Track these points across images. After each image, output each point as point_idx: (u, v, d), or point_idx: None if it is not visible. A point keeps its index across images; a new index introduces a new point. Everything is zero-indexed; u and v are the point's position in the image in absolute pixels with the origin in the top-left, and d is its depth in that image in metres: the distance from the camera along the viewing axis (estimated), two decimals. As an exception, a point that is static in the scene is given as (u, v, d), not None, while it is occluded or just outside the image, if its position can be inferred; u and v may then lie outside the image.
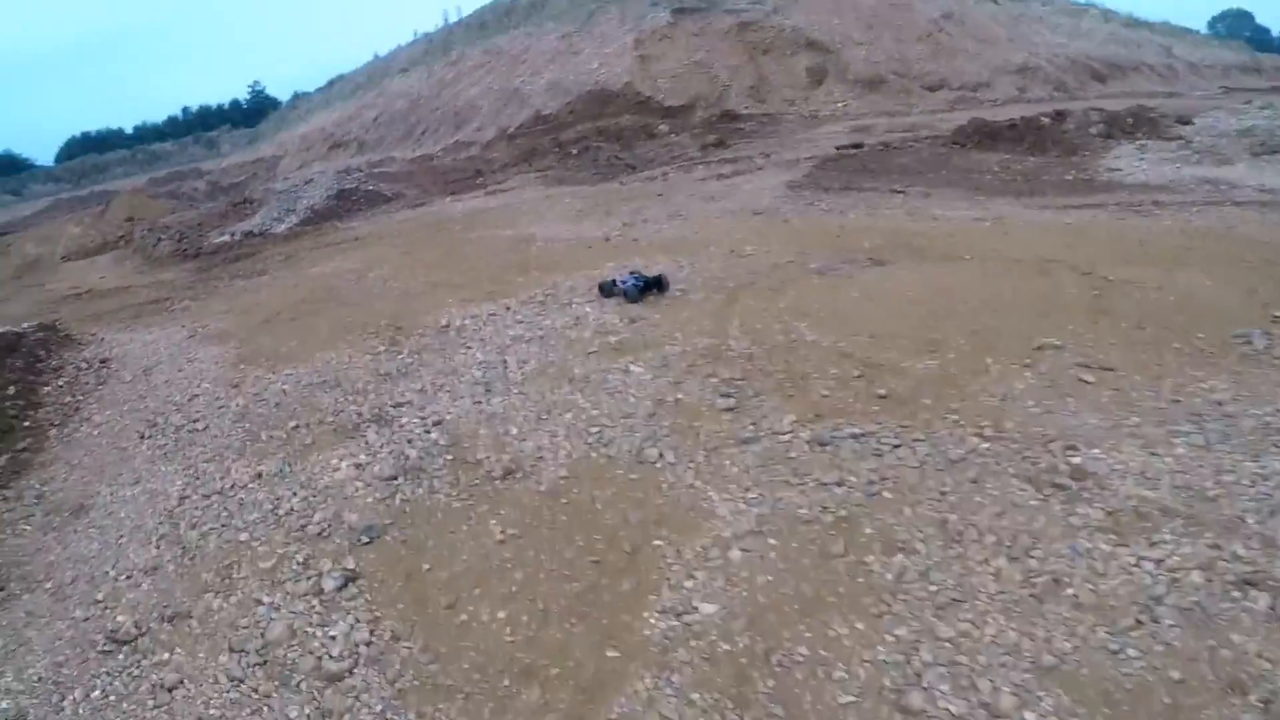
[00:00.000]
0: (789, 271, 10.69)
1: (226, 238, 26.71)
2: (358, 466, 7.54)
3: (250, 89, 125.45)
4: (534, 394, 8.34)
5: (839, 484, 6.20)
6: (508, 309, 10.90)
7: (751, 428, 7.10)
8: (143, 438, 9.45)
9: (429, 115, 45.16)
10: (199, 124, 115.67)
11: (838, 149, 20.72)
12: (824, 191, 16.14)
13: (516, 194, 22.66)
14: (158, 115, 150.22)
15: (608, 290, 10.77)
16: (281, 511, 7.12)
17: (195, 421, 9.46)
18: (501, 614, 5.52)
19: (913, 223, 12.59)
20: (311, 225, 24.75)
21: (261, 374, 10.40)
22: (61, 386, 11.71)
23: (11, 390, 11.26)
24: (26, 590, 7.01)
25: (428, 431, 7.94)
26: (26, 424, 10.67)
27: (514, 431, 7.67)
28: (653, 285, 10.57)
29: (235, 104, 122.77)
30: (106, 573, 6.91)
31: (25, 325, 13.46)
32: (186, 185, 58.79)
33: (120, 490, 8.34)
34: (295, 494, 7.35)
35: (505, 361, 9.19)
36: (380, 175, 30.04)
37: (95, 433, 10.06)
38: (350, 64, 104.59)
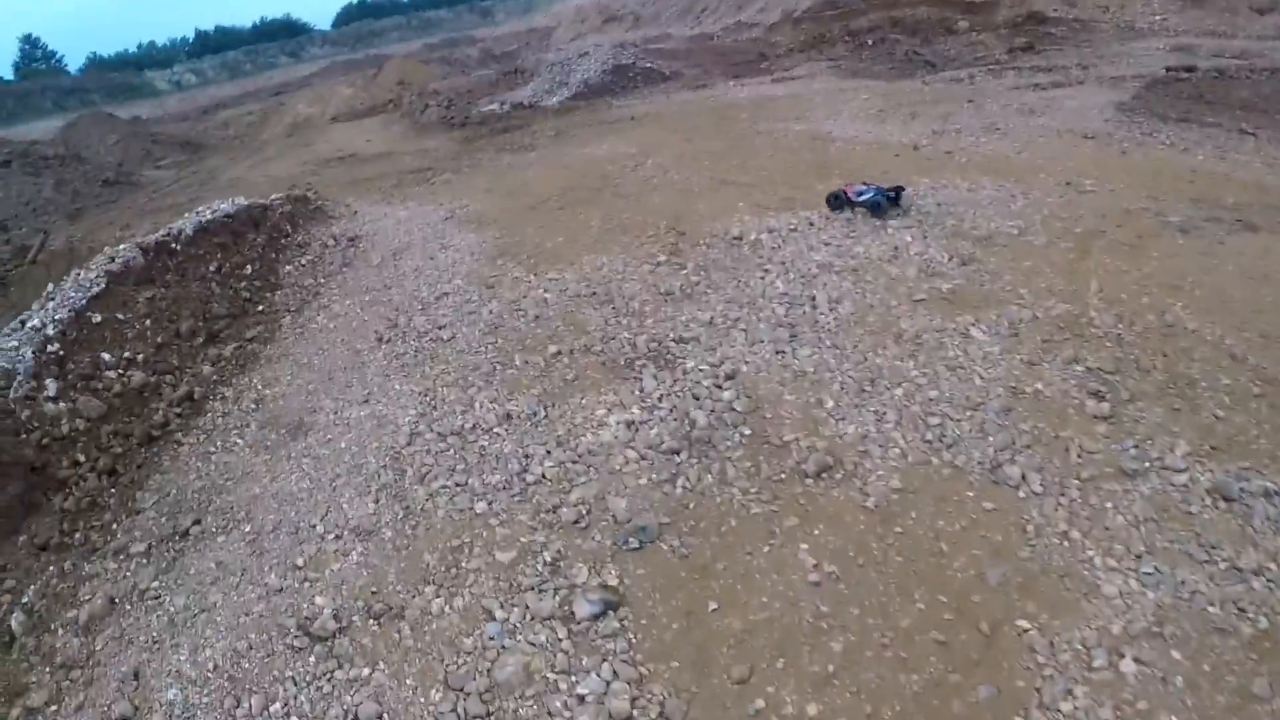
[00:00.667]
0: (1144, 222, 8.42)
1: (495, 107, 25.83)
2: (629, 425, 5.99)
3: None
4: (851, 350, 6.55)
5: (1256, 573, 4.25)
6: (810, 224, 9.10)
7: (1134, 452, 5.11)
8: (380, 341, 8.29)
9: (709, -8, 43.09)
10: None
11: (1167, 70, 17.73)
12: (1161, 120, 13.39)
13: (805, 83, 20.52)
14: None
15: (837, 203, 9.51)
16: (530, 478, 5.66)
17: (441, 328, 8.20)
18: (812, 710, 3.91)
19: (1275, 177, 9.97)
20: (584, 100, 23.43)
21: (521, 274, 9.07)
22: (304, 266, 10.76)
23: (249, 269, 10.33)
24: (222, 530, 5.91)
25: (719, 386, 6.29)
26: (260, 308, 9.73)
27: (829, 405, 5.93)
28: (895, 200, 9.29)
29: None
30: (313, 526, 5.69)
31: (274, 197, 12.60)
32: (459, 52, 58.84)
33: (346, 410, 7.16)
34: (549, 453, 5.89)
35: (813, 297, 7.40)
36: (657, 52, 28.40)
37: (331, 325, 9.00)
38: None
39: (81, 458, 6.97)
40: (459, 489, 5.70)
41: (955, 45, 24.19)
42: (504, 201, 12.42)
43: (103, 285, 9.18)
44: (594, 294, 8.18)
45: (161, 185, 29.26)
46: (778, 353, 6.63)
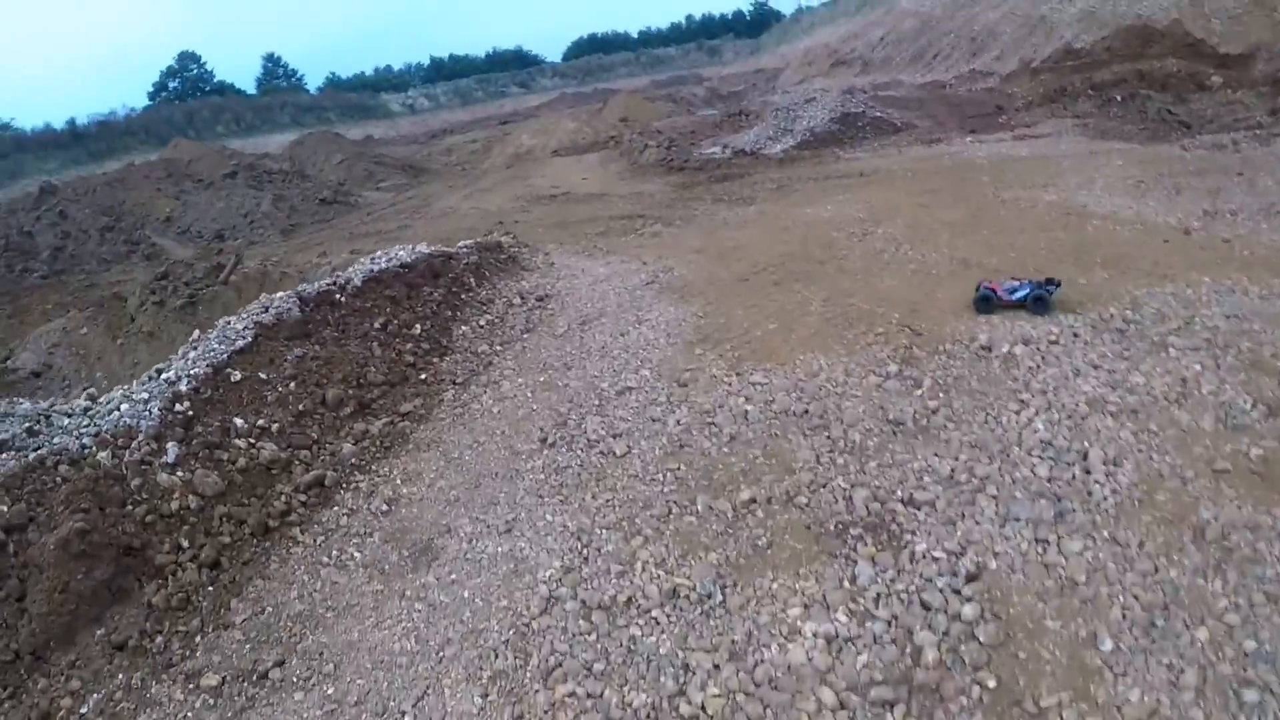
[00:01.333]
0: None
1: (717, 150, 24.95)
2: (830, 643, 4.38)
3: (753, 1, 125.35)
4: (1137, 550, 4.72)
5: None
6: (1075, 335, 7.42)
7: None
8: (543, 443, 7.10)
9: (940, 38, 41.13)
10: (702, 32, 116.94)
11: None
12: None
13: (1051, 143, 18.55)
14: (662, 21, 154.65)
15: (986, 306, 8.27)
16: (685, 710, 4.18)
17: (616, 436, 6.93)
18: None
19: None
20: (809, 149, 22.13)
21: (721, 371, 7.72)
22: (481, 328, 9.78)
23: (418, 329, 9.36)
24: (303, 684, 4.85)
25: (957, 591, 4.58)
26: (423, 376, 8.75)
27: (1106, 646, 4.12)
28: (1052, 292, 8.16)
29: (738, 14, 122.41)
30: (403, 714, 4.49)
31: (461, 245, 11.73)
32: (685, 90, 58.61)
33: (482, 539, 5.97)
34: (717, 669, 4.36)
35: (1084, 454, 5.64)
36: (887, 100, 26.89)
37: (496, 410, 7.92)
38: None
39: (185, 543, 6.21)
40: (591, 705, 4.31)
41: (1210, 104, 21.68)
42: (713, 267, 11.19)
43: (249, 338, 8.36)
44: (805, 412, 6.73)
45: (376, 208, 29.40)
46: (1038, 541, 4.87)
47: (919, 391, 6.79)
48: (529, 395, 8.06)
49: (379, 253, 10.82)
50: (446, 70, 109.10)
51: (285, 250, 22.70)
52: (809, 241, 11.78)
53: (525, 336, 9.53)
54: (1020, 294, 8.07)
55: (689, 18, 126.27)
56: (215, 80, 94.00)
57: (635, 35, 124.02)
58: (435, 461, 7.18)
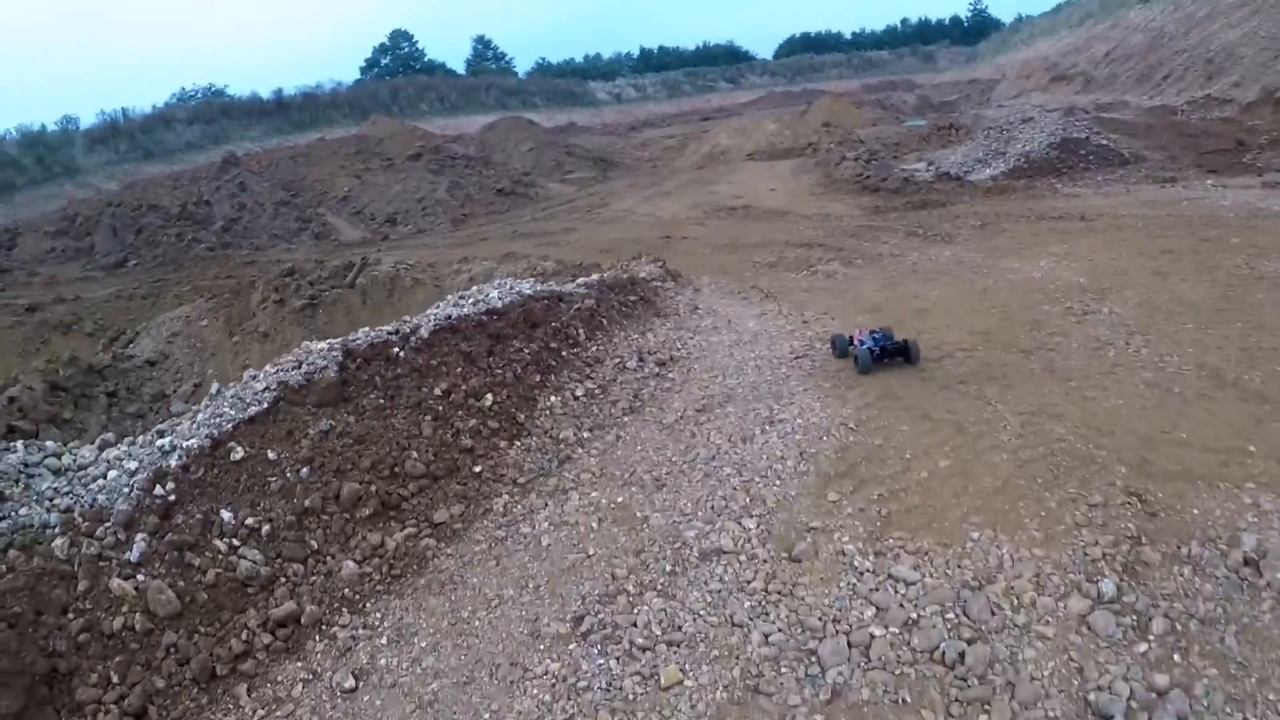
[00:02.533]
0: None
1: (919, 168, 22.88)
2: None
3: (971, 6, 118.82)
4: None
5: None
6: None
7: None
8: (575, 629, 5.04)
9: (1172, 57, 37.24)
10: (916, 36, 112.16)
11: None
12: None
13: None
14: (877, 23, 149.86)
15: (842, 349, 8.56)
16: None
17: (673, 645, 4.79)
18: None
19: None
20: (1023, 179, 19.64)
21: (855, 545, 5.37)
22: (575, 402, 7.85)
23: (489, 399, 7.41)
24: None
25: None
26: (478, 469, 6.82)
27: None
28: (897, 353, 8.20)
29: (955, 20, 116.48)
30: None
31: (579, 285, 9.82)
32: (896, 96, 56.06)
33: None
34: None
35: None
36: (1111, 124, 23.81)
37: (545, 542, 5.97)
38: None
39: (116, 678, 4.96)
40: None
41: None
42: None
43: (267, 402, 6.62)
44: (961, 659, 4.38)
45: (553, 203, 28.14)
46: None
47: (1142, 647, 4.32)
48: (593, 527, 5.99)
49: (472, 291, 8.97)
50: (656, 61, 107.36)
51: (448, 244, 21.42)
52: (1012, 315, 9.35)
53: (626, 420, 7.48)
54: (863, 346, 8.08)
55: (904, 21, 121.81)
56: (425, 59, 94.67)
57: (848, 36, 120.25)
58: (438, 619, 5.29)
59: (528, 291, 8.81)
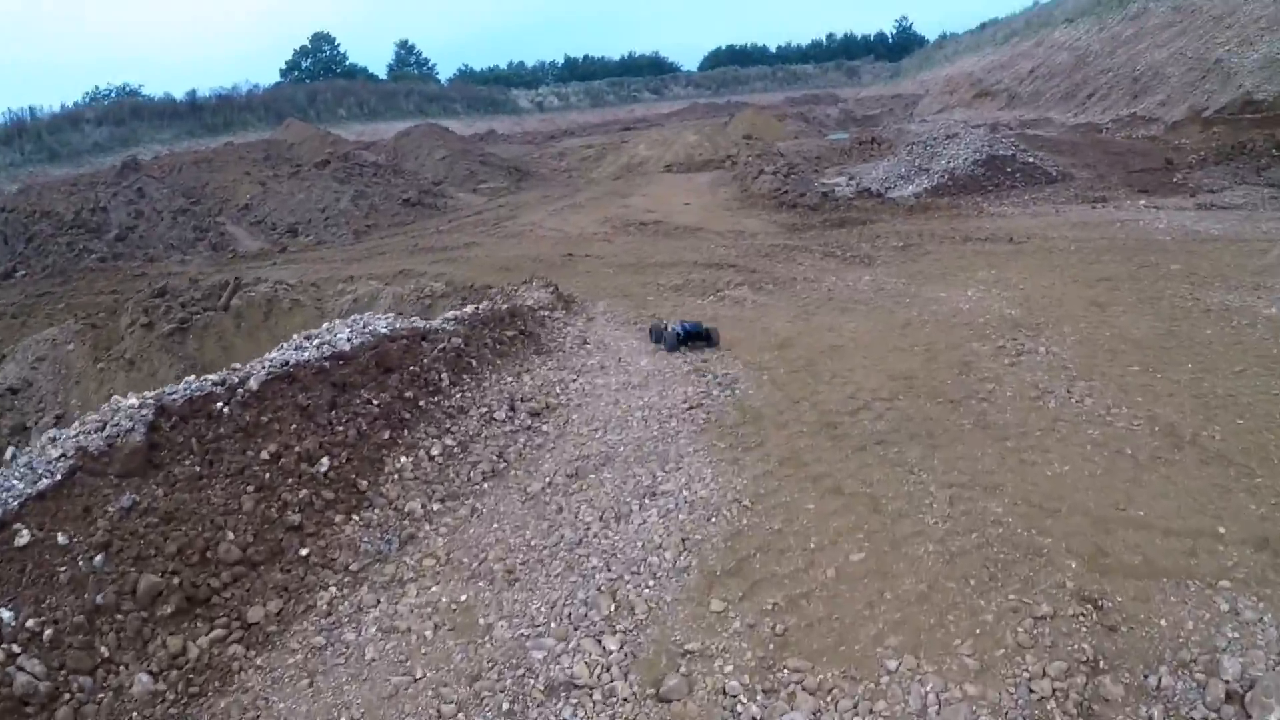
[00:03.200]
0: None
1: (840, 183, 22.15)
2: None
3: (897, 24, 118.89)
4: None
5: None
6: None
7: None
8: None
9: (1097, 76, 36.82)
10: (842, 51, 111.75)
11: None
12: None
13: (1246, 218, 14.48)
14: (803, 38, 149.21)
15: (657, 335, 9.46)
16: None
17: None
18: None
19: None
20: (947, 196, 18.89)
21: (740, 679, 4.21)
22: (429, 464, 6.61)
23: (325, 464, 6.13)
24: None
25: None
26: (305, 552, 5.59)
27: None
28: (699, 337, 9.27)
29: (880, 36, 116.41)
30: None
31: (446, 318, 8.64)
32: (819, 110, 55.27)
33: None
34: None
35: None
36: (1037, 141, 23.28)
37: (368, 656, 4.79)
38: (1005, 8, 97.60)
39: None
40: None
41: None
42: (794, 384, 7.82)
43: (60, 474, 5.33)
44: None
45: (460, 215, 26.79)
46: None
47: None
48: (427, 637, 4.80)
49: (319, 330, 7.70)
50: (580, 71, 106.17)
51: (345, 257, 20.11)
52: (938, 355, 8.29)
53: (486, 487, 6.28)
54: (670, 332, 9.12)
55: (830, 36, 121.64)
56: (346, 63, 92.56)
57: (774, 50, 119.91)
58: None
59: (383, 330, 7.54)
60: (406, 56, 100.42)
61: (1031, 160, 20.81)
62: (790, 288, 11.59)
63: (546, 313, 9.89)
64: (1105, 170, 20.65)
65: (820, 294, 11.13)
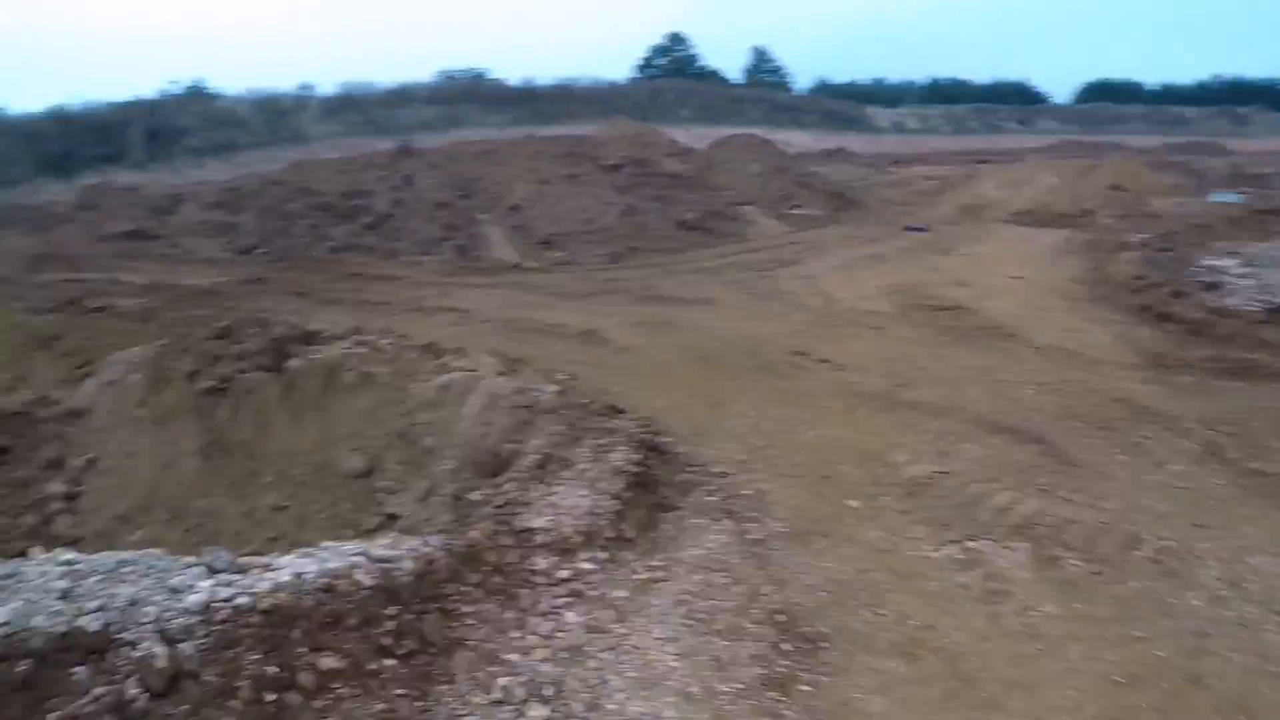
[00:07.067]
0: None
1: (1228, 271, 15.10)
2: None
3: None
4: None
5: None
6: None
7: None
8: None
9: None
10: (1229, 95, 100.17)
11: None
12: None
13: None
14: (1185, 77, 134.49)
15: None
16: None
17: None
18: None
19: None
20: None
21: None
22: None
23: None
24: None
25: None
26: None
27: None
28: None
29: (1273, 83, 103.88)
30: None
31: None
32: (1202, 161, 46.75)
33: None
34: None
35: None
36: None
37: None
38: None
39: None
40: None
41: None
42: None
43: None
44: None
45: (739, 247, 22.25)
46: None
47: None
48: None
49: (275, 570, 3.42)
50: (943, 93, 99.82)
51: (574, 289, 16.31)
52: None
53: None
54: None
55: (1216, 77, 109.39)
56: (697, 64, 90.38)
57: (1150, 88, 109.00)
58: None
59: (367, 582, 3.24)
60: (760, 63, 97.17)
61: None
62: (1126, 558, 5.67)
63: (588, 561, 5.05)
64: None
65: (1203, 578, 5.51)
